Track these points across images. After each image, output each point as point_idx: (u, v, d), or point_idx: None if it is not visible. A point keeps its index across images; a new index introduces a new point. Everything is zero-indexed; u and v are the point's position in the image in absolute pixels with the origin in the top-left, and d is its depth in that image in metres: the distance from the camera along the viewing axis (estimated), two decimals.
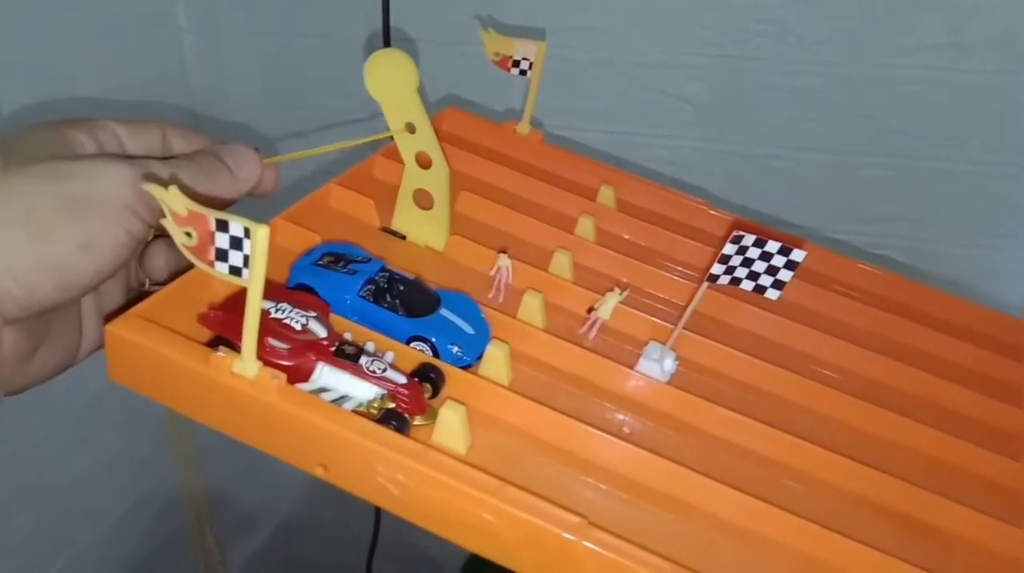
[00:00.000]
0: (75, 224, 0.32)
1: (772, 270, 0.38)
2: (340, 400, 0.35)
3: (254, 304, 0.30)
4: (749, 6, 0.69)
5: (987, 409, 0.48)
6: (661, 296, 0.51)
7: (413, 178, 0.47)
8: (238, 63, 0.88)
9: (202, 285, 0.38)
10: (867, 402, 0.45)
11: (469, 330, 0.41)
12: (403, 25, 0.78)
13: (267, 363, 0.33)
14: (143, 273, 0.40)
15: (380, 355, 0.36)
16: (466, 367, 0.39)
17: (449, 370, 0.38)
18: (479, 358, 0.40)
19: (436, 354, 0.39)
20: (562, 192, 0.57)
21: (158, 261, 0.39)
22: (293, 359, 0.34)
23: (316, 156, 0.44)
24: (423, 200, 0.47)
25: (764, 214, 0.77)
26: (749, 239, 0.38)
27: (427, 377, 0.37)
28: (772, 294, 0.39)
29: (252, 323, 0.31)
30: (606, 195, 0.58)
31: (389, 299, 0.40)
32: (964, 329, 0.55)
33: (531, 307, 0.44)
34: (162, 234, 0.37)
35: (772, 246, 0.37)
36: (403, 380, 0.35)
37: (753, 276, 0.39)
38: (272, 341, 0.34)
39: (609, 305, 0.44)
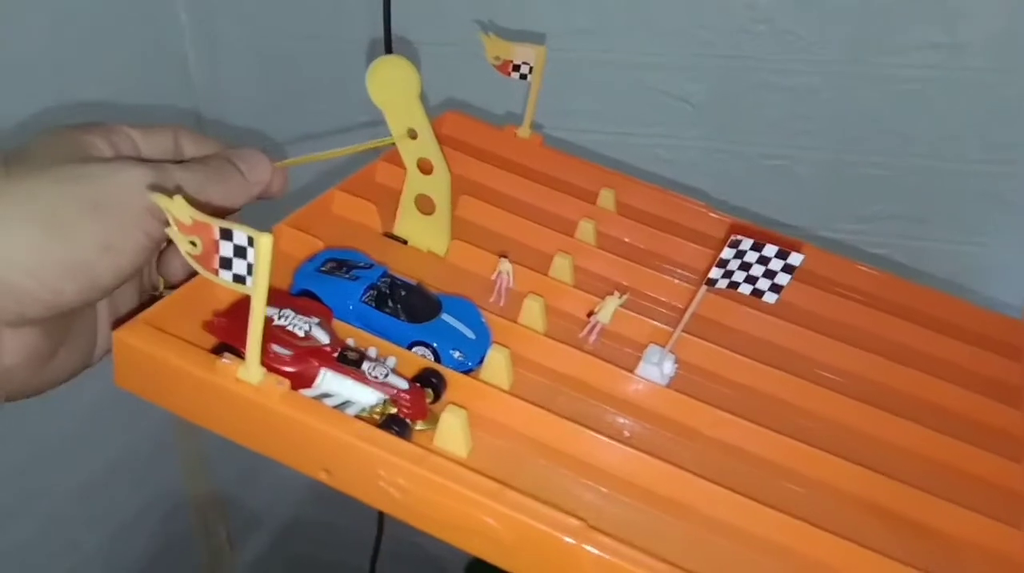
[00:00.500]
0: (96, 225, 0.32)
1: (770, 274, 0.38)
2: (343, 405, 0.35)
3: (258, 312, 0.31)
4: (746, 6, 0.70)
5: (986, 410, 0.48)
6: (661, 299, 0.51)
7: (415, 184, 0.47)
8: (239, 65, 0.89)
9: (207, 292, 0.38)
10: (866, 404, 0.45)
11: (470, 335, 0.41)
12: (404, 28, 0.78)
13: (271, 369, 0.33)
14: (158, 276, 0.41)
15: (382, 360, 0.37)
16: (467, 371, 0.40)
17: (450, 375, 0.38)
18: (480, 362, 0.40)
19: (438, 359, 0.40)
20: (562, 196, 0.57)
21: (175, 263, 0.39)
22: (296, 365, 0.34)
23: (319, 161, 0.44)
24: (425, 205, 0.48)
25: (762, 213, 0.77)
26: (747, 243, 0.38)
27: (429, 382, 0.38)
28: (770, 298, 0.39)
29: (256, 330, 0.31)
30: (606, 198, 0.58)
31: (391, 304, 0.41)
32: (963, 330, 0.55)
33: (532, 311, 0.44)
34: None
35: (769, 250, 0.38)
36: (405, 385, 0.36)
37: (751, 280, 0.39)
38: (276, 347, 0.34)
39: (609, 309, 0.44)
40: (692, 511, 0.37)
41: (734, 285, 0.40)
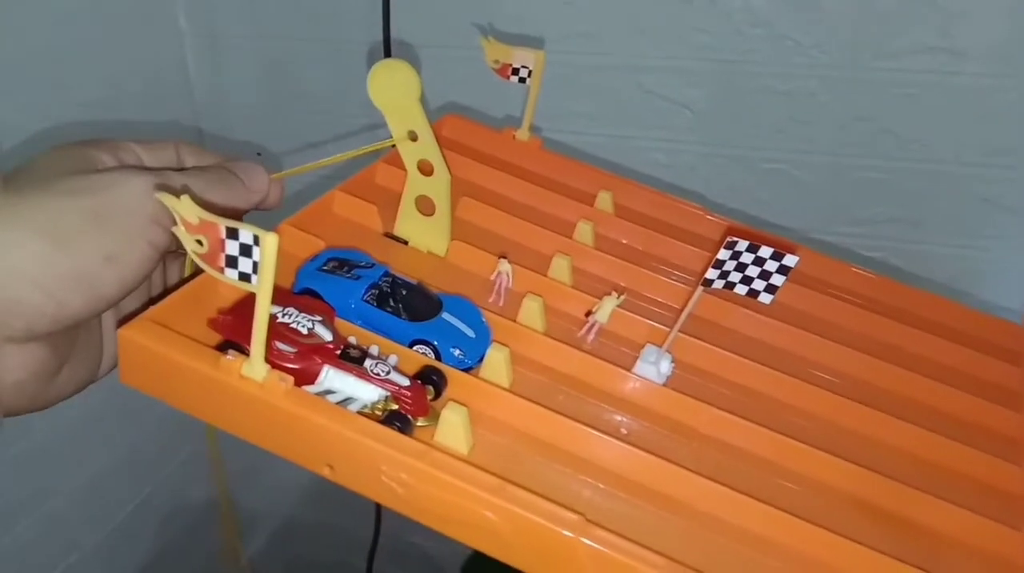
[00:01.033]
0: (99, 236, 0.33)
1: (765, 275, 0.39)
2: (345, 402, 0.35)
3: (263, 309, 0.31)
4: (744, 10, 0.70)
5: (983, 412, 0.49)
6: (658, 299, 0.52)
7: (415, 185, 0.47)
8: (239, 68, 0.89)
9: (211, 290, 0.39)
10: (861, 404, 0.45)
11: (470, 333, 0.41)
12: (404, 32, 0.79)
13: (275, 366, 0.34)
14: (167, 283, 0.41)
15: (384, 358, 0.37)
16: (467, 369, 0.40)
17: (451, 372, 0.39)
18: (480, 361, 0.41)
19: (438, 357, 0.40)
20: (561, 197, 0.58)
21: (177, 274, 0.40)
22: (300, 362, 0.35)
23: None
24: (425, 206, 0.48)
25: (760, 216, 0.78)
26: (743, 245, 0.39)
27: (429, 379, 0.38)
28: (765, 298, 0.40)
29: (261, 328, 0.32)
30: (604, 200, 0.59)
31: (392, 303, 0.41)
32: (959, 333, 0.55)
33: (531, 311, 0.45)
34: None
35: (765, 251, 0.38)
36: (406, 382, 0.36)
37: (747, 281, 0.40)
38: (279, 345, 0.35)
39: (607, 309, 0.45)
40: (687, 507, 0.37)
41: (730, 286, 0.40)
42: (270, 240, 0.30)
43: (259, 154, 0.92)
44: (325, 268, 0.43)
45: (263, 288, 0.31)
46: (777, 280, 0.39)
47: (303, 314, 0.37)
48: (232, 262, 0.31)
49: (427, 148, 0.45)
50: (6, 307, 0.31)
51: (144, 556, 1.05)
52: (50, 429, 0.83)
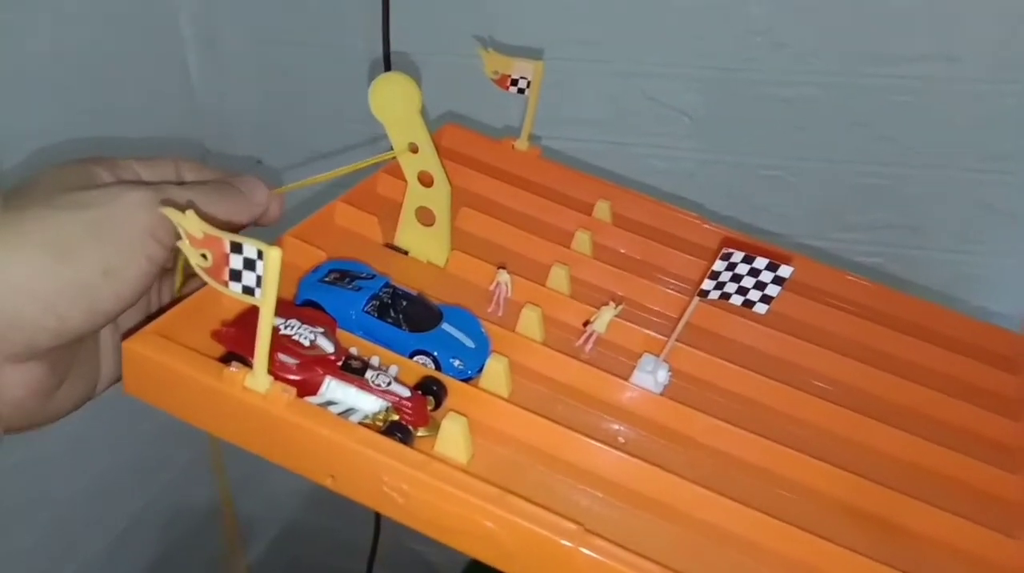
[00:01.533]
0: (98, 249, 0.33)
1: (760, 285, 0.39)
2: (347, 413, 0.36)
3: (266, 322, 0.32)
4: (743, 18, 0.71)
5: (980, 421, 0.49)
6: (655, 309, 0.52)
7: (415, 196, 0.48)
8: (240, 77, 0.90)
9: (214, 302, 0.39)
10: (858, 413, 0.46)
11: (470, 344, 0.42)
12: (403, 43, 0.79)
13: (277, 378, 0.34)
14: (161, 302, 0.42)
15: (385, 369, 0.38)
16: (467, 380, 0.41)
17: (451, 383, 0.39)
18: (480, 371, 0.41)
19: (438, 367, 0.41)
20: (559, 207, 0.58)
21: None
22: (302, 374, 0.35)
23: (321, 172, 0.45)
24: (425, 217, 0.49)
25: (757, 223, 0.78)
26: (738, 256, 0.39)
27: (430, 390, 0.39)
28: (760, 308, 0.40)
29: (264, 340, 0.32)
30: (602, 209, 0.59)
31: (393, 314, 0.42)
32: (955, 340, 0.55)
33: (529, 321, 0.45)
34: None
35: (760, 262, 0.39)
36: (407, 393, 0.37)
37: (742, 291, 0.40)
38: (282, 356, 0.35)
39: (604, 318, 0.45)
40: (684, 515, 0.37)
41: (726, 296, 0.41)
42: (274, 254, 0.30)
43: (259, 162, 0.93)
44: (327, 279, 0.43)
45: (266, 302, 0.31)
46: (772, 290, 0.39)
47: (305, 326, 0.37)
48: (236, 276, 0.32)
49: (428, 160, 0.46)
50: (7, 321, 0.31)
51: (145, 562, 1.05)
52: (51, 435, 0.82)
